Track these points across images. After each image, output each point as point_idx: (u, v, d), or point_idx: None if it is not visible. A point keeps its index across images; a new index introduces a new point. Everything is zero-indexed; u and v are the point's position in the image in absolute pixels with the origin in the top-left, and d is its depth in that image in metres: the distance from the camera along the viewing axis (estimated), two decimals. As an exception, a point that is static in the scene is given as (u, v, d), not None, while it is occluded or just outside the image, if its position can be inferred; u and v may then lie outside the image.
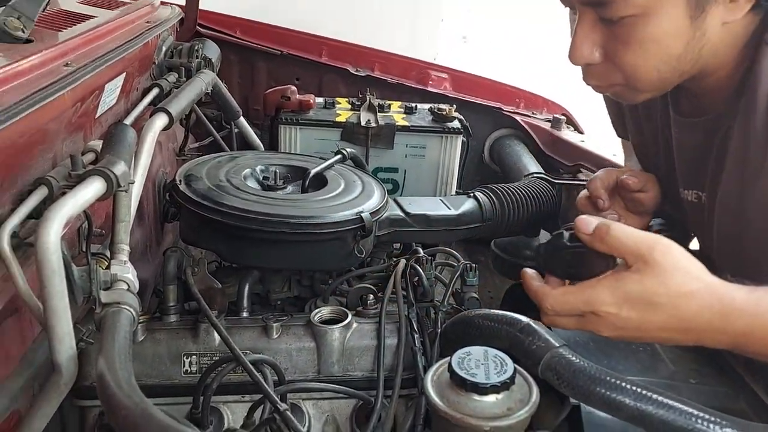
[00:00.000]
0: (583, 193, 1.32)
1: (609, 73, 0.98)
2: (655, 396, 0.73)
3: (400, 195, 1.74)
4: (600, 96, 1.20)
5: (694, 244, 1.22)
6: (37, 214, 0.73)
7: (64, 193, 0.73)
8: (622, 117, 1.32)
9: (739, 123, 0.97)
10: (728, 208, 1.03)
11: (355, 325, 1.04)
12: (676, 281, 0.75)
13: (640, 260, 0.77)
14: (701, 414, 0.71)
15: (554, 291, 0.84)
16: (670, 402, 0.72)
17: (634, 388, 0.74)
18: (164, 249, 1.15)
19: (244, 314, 1.11)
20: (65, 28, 1.07)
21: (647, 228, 1.29)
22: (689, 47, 0.92)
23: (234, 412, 1.00)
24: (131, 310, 0.73)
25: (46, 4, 0.88)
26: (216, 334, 0.98)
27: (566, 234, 0.83)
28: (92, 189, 0.72)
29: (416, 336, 1.05)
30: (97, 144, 0.87)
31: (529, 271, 0.88)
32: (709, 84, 1.01)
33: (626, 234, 0.78)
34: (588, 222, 0.81)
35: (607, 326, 0.81)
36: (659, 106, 1.17)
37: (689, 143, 1.11)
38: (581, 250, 0.81)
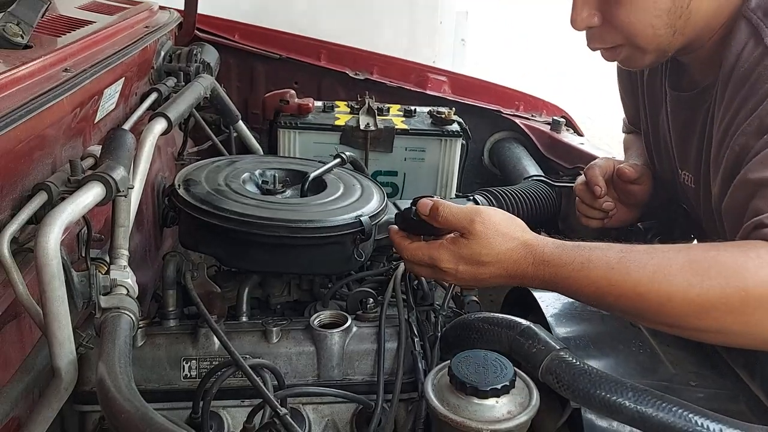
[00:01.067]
0: (581, 179, 1.33)
1: (609, 34, 1.04)
2: (654, 399, 0.73)
3: (400, 198, 1.74)
4: (595, 104, 1.21)
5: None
6: (37, 219, 0.73)
7: (63, 199, 0.74)
8: (636, 99, 1.34)
9: (715, 97, 0.99)
10: (709, 188, 1.04)
11: (354, 329, 1.04)
12: (496, 243, 0.91)
13: (466, 231, 0.92)
14: (700, 416, 0.71)
15: (410, 245, 0.98)
16: (670, 404, 0.72)
17: (634, 390, 0.74)
18: (163, 254, 1.15)
19: (244, 318, 1.11)
20: (64, 34, 1.08)
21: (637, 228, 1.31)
22: (677, 1, 0.98)
23: (234, 416, 1.00)
24: (131, 314, 0.73)
25: (45, 10, 0.88)
26: (215, 339, 0.98)
27: (413, 209, 0.98)
28: (91, 194, 0.72)
29: (416, 340, 1.05)
30: (97, 149, 0.87)
31: (394, 227, 1.03)
32: (698, 56, 1.06)
33: (452, 212, 0.94)
34: (425, 204, 0.96)
35: (451, 277, 0.95)
36: (659, 83, 1.20)
37: (680, 119, 1.13)
38: (424, 222, 0.96)
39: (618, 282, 0.84)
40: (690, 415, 0.71)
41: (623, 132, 1.52)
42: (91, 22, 1.20)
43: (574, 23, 1.05)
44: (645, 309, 0.84)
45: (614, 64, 1.24)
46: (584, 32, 1.08)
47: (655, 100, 1.24)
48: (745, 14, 0.98)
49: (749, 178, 0.90)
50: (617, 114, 1.50)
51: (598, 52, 1.11)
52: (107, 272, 0.79)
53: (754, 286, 0.78)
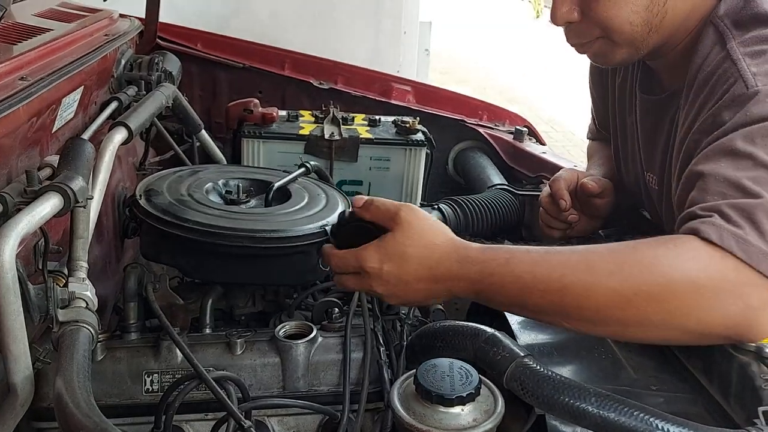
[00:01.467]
0: (546, 190, 1.35)
1: (587, 29, 1.07)
2: (616, 403, 0.74)
3: (365, 207, 1.74)
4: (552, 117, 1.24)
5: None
6: (-8, 231, 0.70)
7: (19, 210, 0.71)
8: (606, 101, 1.37)
9: (682, 102, 1.02)
10: (671, 189, 1.06)
11: (320, 339, 1.03)
12: (420, 233, 0.90)
13: (392, 221, 0.91)
14: (661, 419, 0.72)
15: (338, 252, 0.96)
16: (632, 409, 0.73)
17: (596, 396, 0.75)
18: (124, 265, 1.13)
19: (207, 330, 1.10)
20: (20, 42, 1.05)
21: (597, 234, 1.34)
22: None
23: (197, 430, 0.98)
24: (90, 328, 0.72)
25: (2, 17, 0.86)
26: (178, 352, 0.96)
27: (347, 213, 1.01)
28: (49, 205, 0.70)
29: (382, 349, 1.04)
30: (54, 159, 0.85)
31: (327, 245, 1.02)
32: (668, 61, 1.09)
33: (382, 203, 0.94)
34: (360, 198, 0.98)
35: (376, 282, 0.91)
36: (629, 87, 1.23)
37: (648, 122, 1.17)
38: (358, 224, 0.96)
39: (542, 276, 0.84)
40: (651, 419, 0.72)
41: (588, 138, 1.55)
42: (48, 30, 1.17)
43: (554, 18, 1.07)
44: (568, 303, 0.84)
45: (576, 71, 1.27)
46: (562, 29, 1.11)
47: (624, 104, 1.27)
48: (713, 21, 1.01)
49: (692, 170, 0.93)
50: (577, 121, 1.53)
51: (570, 54, 1.15)
52: (65, 285, 0.77)
53: (671, 275, 0.81)
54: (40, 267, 0.81)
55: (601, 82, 1.37)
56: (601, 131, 1.46)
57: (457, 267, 0.88)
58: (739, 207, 0.83)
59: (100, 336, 0.95)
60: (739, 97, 0.91)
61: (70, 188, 0.73)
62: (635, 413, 0.73)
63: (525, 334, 1.00)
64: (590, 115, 1.51)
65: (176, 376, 0.96)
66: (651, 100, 1.17)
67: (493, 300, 0.89)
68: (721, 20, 1.01)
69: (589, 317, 0.84)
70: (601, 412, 0.74)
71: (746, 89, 0.91)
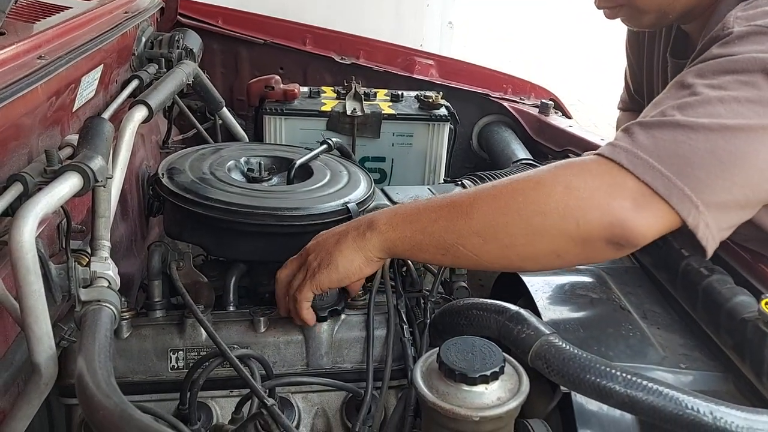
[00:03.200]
0: None
1: None
2: (644, 382, 0.72)
3: (388, 184, 1.73)
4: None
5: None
6: (12, 211, 0.71)
7: (40, 189, 0.71)
8: (642, 67, 1.35)
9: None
10: None
11: (343, 316, 1.03)
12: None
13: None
14: (690, 398, 0.71)
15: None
16: (660, 388, 0.72)
17: (623, 374, 0.74)
18: (150, 243, 1.13)
19: (231, 308, 1.10)
20: (39, 20, 1.05)
21: None
22: None
23: (222, 407, 0.99)
24: (112, 307, 0.72)
25: (18, -4, 0.86)
26: (202, 329, 0.96)
27: None
28: (68, 185, 0.70)
29: (405, 327, 1.04)
30: (75, 138, 0.85)
31: None
32: (697, 24, 1.06)
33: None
34: None
35: (312, 256, 0.97)
36: (656, 52, 1.21)
37: None
38: None
39: (436, 199, 0.94)
40: (680, 398, 0.71)
41: (618, 108, 1.51)
42: (67, 8, 1.17)
43: None
44: (456, 215, 0.89)
45: (603, 44, 1.24)
46: None
47: (651, 66, 1.26)
48: None
49: None
50: (604, 98, 1.50)
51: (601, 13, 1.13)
52: (88, 264, 0.77)
53: (546, 179, 0.87)
54: (64, 246, 0.81)
55: (638, 44, 1.34)
56: (636, 99, 1.43)
57: (380, 214, 0.96)
58: (645, 124, 0.87)
59: (126, 314, 0.97)
60: (714, 39, 0.92)
61: (90, 168, 0.72)
62: (663, 392, 0.71)
63: (550, 311, 0.99)
64: (623, 83, 1.48)
65: (201, 353, 0.97)
66: (679, 63, 1.14)
67: (401, 230, 0.93)
68: None
69: (477, 229, 0.88)
70: (628, 391, 0.73)
71: (723, 30, 0.91)
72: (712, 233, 0.85)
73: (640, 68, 1.35)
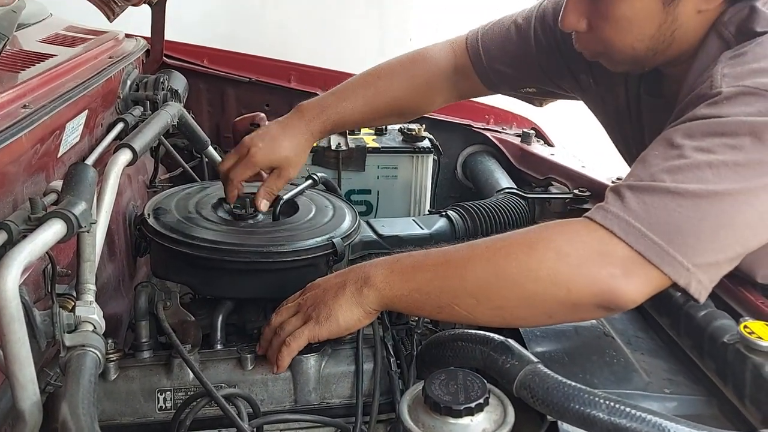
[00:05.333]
0: None
1: (593, 42, 1.07)
2: (628, 409, 0.73)
3: (374, 216, 1.75)
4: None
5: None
6: (-3, 259, 0.71)
7: (24, 237, 0.72)
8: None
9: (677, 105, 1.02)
10: None
11: (330, 351, 1.03)
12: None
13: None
14: (673, 424, 0.71)
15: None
16: (643, 414, 0.72)
17: (607, 402, 0.74)
18: (137, 283, 1.14)
19: (218, 346, 1.10)
20: (24, 69, 1.06)
21: None
22: (662, 30, 1.00)
23: (211, 447, 0.99)
24: (96, 352, 0.72)
25: (3, 46, 0.87)
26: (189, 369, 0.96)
27: None
28: (52, 232, 0.71)
29: (393, 359, 1.04)
30: (59, 184, 0.86)
31: None
32: (682, 70, 1.06)
33: None
34: None
35: (309, 300, 0.99)
36: (631, 80, 1.21)
37: (656, 125, 1.14)
38: None
39: (433, 254, 0.96)
40: (663, 424, 0.71)
41: None
42: (52, 56, 1.19)
43: (561, 24, 1.08)
44: (451, 275, 0.91)
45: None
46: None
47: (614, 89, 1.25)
48: (718, 28, 0.99)
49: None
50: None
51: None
52: (73, 309, 0.77)
53: (538, 245, 0.89)
54: (49, 291, 0.82)
55: None
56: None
57: (374, 266, 0.97)
58: (636, 188, 0.88)
59: (113, 355, 0.97)
60: (702, 97, 0.92)
61: (73, 214, 0.73)
62: (646, 419, 0.72)
63: (535, 341, 0.99)
64: None
65: (189, 393, 0.97)
66: (657, 103, 1.15)
67: (398, 288, 0.94)
68: (726, 27, 0.98)
69: (471, 291, 0.90)
70: (612, 418, 0.73)
71: (711, 89, 0.91)
72: (704, 286, 0.87)
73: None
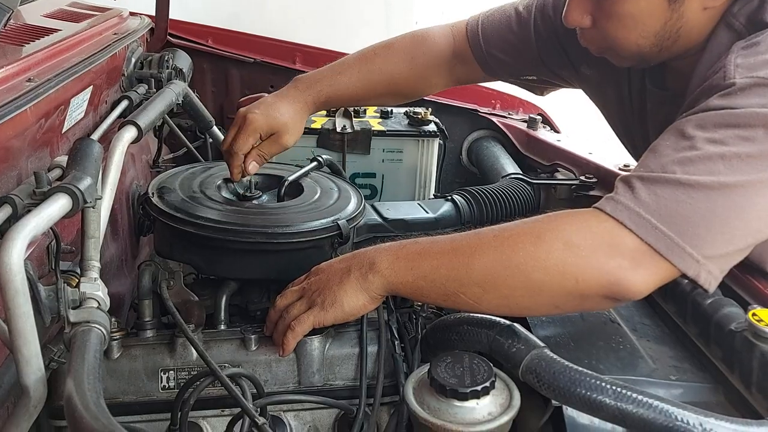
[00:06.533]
0: None
1: (598, 38, 1.06)
2: (634, 395, 0.73)
3: (379, 200, 1.74)
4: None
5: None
6: (1, 234, 0.71)
7: (29, 211, 0.71)
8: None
9: (687, 96, 1.01)
10: None
11: (335, 333, 1.03)
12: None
13: None
14: (680, 411, 0.71)
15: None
16: (649, 400, 0.72)
17: (613, 388, 0.74)
18: (140, 262, 1.13)
19: (222, 326, 1.10)
20: (28, 43, 1.05)
21: None
22: (667, 27, 0.99)
23: (214, 426, 0.99)
24: (101, 328, 0.71)
25: (8, 19, 0.86)
26: (193, 348, 0.96)
27: None
28: (57, 206, 0.70)
29: (397, 342, 1.04)
30: (64, 160, 0.85)
31: None
32: (690, 62, 1.05)
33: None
34: None
35: (314, 285, 0.98)
36: (637, 78, 1.20)
37: (660, 116, 1.13)
38: None
39: (439, 240, 0.95)
40: (670, 410, 0.71)
41: None
42: (57, 30, 1.17)
43: (566, 20, 1.06)
44: (458, 264, 0.90)
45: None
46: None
47: (618, 79, 1.24)
48: (727, 19, 0.98)
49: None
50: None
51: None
52: (77, 285, 0.77)
53: (546, 236, 0.88)
54: (53, 267, 0.81)
55: None
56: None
57: (379, 250, 0.97)
58: (646, 179, 0.87)
59: (116, 334, 0.96)
60: (715, 87, 0.91)
61: (78, 189, 0.72)
62: (653, 404, 0.72)
63: (540, 326, 0.99)
64: None
65: (192, 372, 0.97)
66: (662, 95, 1.14)
67: (403, 275, 0.94)
68: (736, 18, 0.97)
69: (477, 280, 0.89)
70: (618, 404, 0.73)
71: (724, 80, 0.90)
72: (714, 276, 0.87)
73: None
